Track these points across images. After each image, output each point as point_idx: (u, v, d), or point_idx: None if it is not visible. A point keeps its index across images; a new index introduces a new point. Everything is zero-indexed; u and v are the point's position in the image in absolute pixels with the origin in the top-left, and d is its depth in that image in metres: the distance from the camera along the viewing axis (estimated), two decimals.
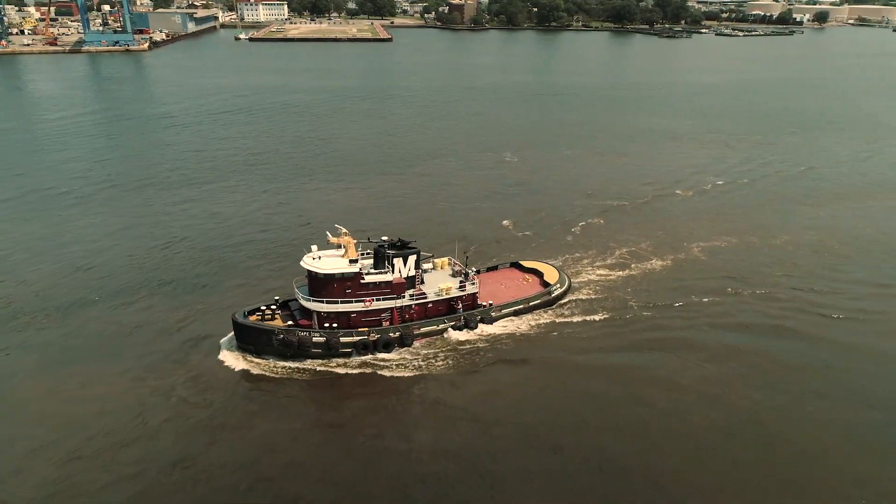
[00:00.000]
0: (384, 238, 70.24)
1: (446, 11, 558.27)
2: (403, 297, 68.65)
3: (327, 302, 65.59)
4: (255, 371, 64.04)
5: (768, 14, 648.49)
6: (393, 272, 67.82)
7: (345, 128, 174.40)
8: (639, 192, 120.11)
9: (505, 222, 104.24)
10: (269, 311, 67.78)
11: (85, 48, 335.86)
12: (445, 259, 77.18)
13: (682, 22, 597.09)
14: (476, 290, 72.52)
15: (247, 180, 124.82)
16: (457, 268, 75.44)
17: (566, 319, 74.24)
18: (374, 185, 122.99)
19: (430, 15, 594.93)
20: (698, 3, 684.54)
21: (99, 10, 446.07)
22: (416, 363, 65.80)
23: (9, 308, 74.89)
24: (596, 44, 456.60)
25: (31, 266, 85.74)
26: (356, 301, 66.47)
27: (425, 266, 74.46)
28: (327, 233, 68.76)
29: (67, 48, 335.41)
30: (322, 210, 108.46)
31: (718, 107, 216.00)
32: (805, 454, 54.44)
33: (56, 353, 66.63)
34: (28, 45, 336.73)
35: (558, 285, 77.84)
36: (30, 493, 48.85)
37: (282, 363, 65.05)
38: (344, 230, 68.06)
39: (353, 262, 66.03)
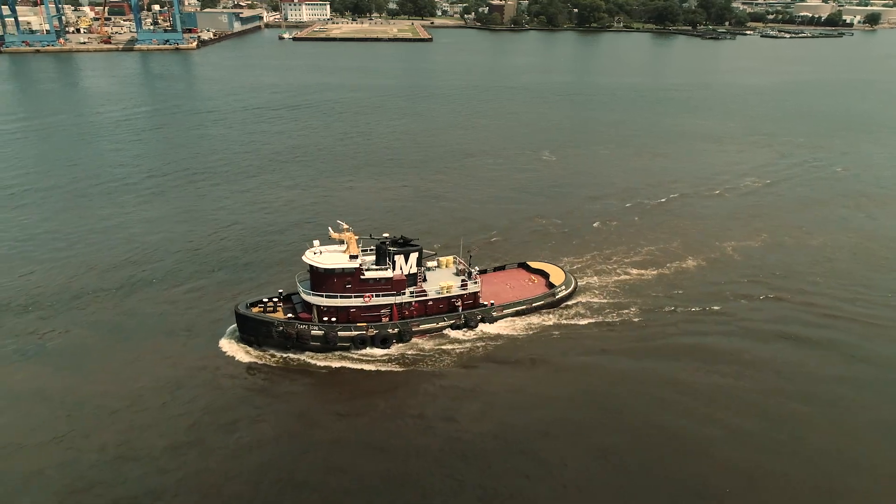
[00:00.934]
0: (385, 235, 70.95)
1: (486, 12, 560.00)
2: (404, 293, 69.05)
3: (327, 296, 66.67)
4: (258, 361, 66.10)
5: (816, 16, 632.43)
6: (394, 269, 68.35)
7: (385, 125, 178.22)
8: (675, 192, 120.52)
9: (539, 219, 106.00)
10: (270, 304, 69.38)
11: (137, 46, 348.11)
12: (450, 257, 77.13)
13: (727, 23, 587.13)
14: (478, 290, 72.37)
15: (291, 174, 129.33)
16: (461, 266, 75.33)
17: (570, 322, 73.31)
18: (414, 182, 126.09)
19: (469, 15, 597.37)
20: (743, 4, 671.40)
21: (149, 9, 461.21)
22: (412, 359, 66.45)
23: (73, 288, 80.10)
24: (637, 45, 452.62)
25: (92, 249, 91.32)
26: (355, 296, 67.34)
27: (430, 264, 74.92)
28: (329, 228, 69.62)
29: (121, 46, 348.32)
30: (362, 204, 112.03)
31: (762, 109, 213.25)
32: (841, 462, 53.64)
33: (114, 330, 71.26)
34: (84, 43, 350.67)
35: (563, 287, 77.11)
36: (95, 455, 52.94)
37: (283, 354, 66.63)
38: (345, 226, 69.06)
39: (353, 257, 66.87)
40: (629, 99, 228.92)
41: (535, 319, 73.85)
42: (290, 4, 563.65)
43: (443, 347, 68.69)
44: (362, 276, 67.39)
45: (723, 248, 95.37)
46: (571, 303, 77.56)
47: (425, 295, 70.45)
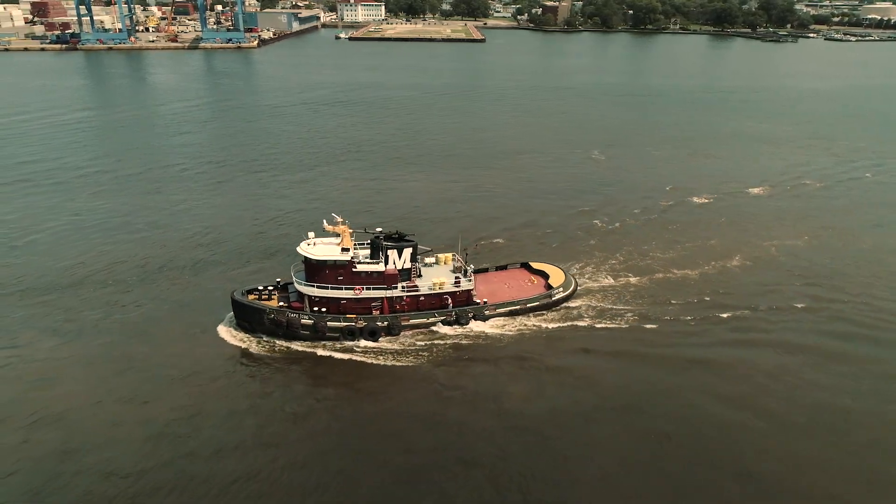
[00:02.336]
0: (379, 229, 71.79)
1: (539, 13, 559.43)
2: (395, 288, 69.93)
3: (318, 287, 68.26)
4: (252, 349, 68.32)
5: (885, 18, 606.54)
6: (387, 264, 69.38)
7: (437, 123, 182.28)
8: (724, 191, 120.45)
9: (581, 215, 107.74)
10: (265, 292, 71.53)
11: (202, 45, 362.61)
12: (449, 255, 77.13)
13: (788, 26, 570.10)
14: (471, 287, 72.48)
15: (347, 167, 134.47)
16: (458, 264, 75.45)
17: (567, 323, 72.79)
18: (463, 177, 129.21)
19: (522, 16, 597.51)
20: (807, 6, 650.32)
21: (212, 9, 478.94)
22: (401, 353, 67.13)
23: (146, 265, 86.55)
24: (693, 47, 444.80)
25: (163, 231, 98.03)
26: (346, 288, 68.65)
27: (428, 260, 75.81)
28: (324, 221, 71.08)
29: (186, 45, 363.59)
30: (413, 197, 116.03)
31: (822, 113, 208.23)
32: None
33: (179, 306, 76.70)
34: (152, 41, 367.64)
35: (561, 289, 76.27)
36: (167, 413, 58.07)
37: (276, 342, 68.47)
38: (339, 219, 69.96)
39: (345, 250, 68.22)
40: (684, 101, 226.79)
41: (531, 320, 73.26)
42: (346, 5, 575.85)
43: (432, 342, 69.21)
44: (354, 269, 68.75)
45: (767, 248, 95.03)
46: (576, 304, 76.38)
47: (417, 290, 71.16)
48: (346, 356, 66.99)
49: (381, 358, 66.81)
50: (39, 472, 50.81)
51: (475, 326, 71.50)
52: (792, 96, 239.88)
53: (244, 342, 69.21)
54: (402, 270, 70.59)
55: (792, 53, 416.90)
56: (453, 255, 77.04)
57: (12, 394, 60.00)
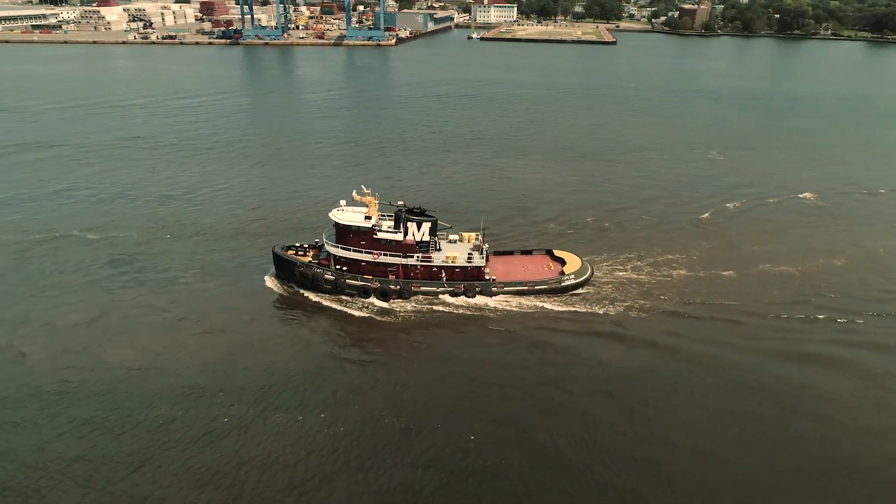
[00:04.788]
0: (400, 202, 79.43)
1: (676, 16, 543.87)
2: (411, 257, 77.40)
3: (342, 248, 77.27)
4: (284, 295, 79.07)
5: None
6: (406, 234, 77.10)
7: (559, 118, 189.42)
8: (839, 196, 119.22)
9: (688, 202, 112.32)
10: (301, 250, 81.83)
11: (345, 42, 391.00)
12: (473, 234, 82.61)
13: None
14: (482, 265, 77.87)
15: (471, 154, 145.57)
16: (477, 242, 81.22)
17: (568, 308, 76.04)
18: (579, 169, 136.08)
19: (657, 20, 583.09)
20: None
21: (355, 9, 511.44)
22: (404, 313, 75.15)
23: (295, 224, 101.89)
24: (847, 53, 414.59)
25: (302, 199, 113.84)
26: (366, 252, 77.18)
27: (453, 237, 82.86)
28: (353, 192, 78.82)
29: (332, 42, 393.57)
30: (529, 184, 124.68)
31: None
32: None
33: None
34: (302, 38, 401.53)
35: (573, 276, 79.49)
36: (254, 366, 71.14)
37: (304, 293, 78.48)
38: (367, 190, 78.30)
39: (367, 218, 76.91)
40: (825, 107, 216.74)
41: (538, 302, 77.34)
42: (479, 6, 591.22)
43: (436, 308, 76.15)
44: (375, 236, 77.20)
45: (872, 250, 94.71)
46: (580, 292, 79.40)
47: (431, 261, 78.05)
48: (359, 312, 75.38)
49: (389, 316, 74.87)
50: (214, 366, 65.76)
51: (481, 300, 77.36)
52: None
53: (277, 289, 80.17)
54: (421, 242, 78.00)
55: None
56: (476, 234, 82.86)
57: (190, 305, 76.40)
